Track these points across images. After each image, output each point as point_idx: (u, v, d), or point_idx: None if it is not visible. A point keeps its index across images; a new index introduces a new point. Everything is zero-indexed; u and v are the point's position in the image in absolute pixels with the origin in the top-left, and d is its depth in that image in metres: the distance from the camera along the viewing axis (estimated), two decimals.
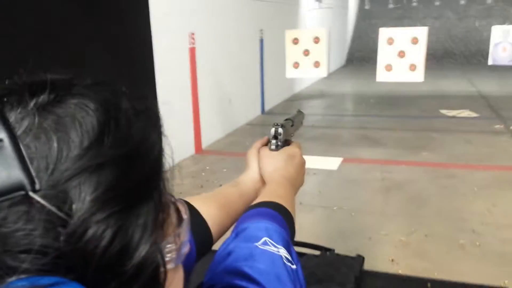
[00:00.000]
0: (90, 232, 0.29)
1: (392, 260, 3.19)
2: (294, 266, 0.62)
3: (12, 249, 0.28)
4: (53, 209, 0.29)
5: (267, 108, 8.60)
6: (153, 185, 0.36)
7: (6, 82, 0.35)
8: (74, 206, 0.30)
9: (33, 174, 0.29)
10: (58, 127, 0.31)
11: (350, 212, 4.04)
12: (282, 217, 0.74)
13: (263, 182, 0.97)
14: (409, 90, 9.74)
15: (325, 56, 7.04)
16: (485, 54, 9.53)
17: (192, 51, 5.87)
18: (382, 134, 6.78)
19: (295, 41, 6.98)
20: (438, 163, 5.38)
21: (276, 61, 8.20)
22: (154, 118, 0.39)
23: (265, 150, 0.99)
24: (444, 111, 8.17)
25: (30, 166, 0.29)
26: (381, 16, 18.45)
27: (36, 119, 0.31)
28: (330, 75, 13.89)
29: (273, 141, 0.99)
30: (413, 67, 6.55)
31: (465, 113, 7.99)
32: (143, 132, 0.36)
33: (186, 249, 0.41)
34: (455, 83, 11.82)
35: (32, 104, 0.32)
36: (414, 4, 18.21)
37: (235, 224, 0.76)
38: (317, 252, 1.75)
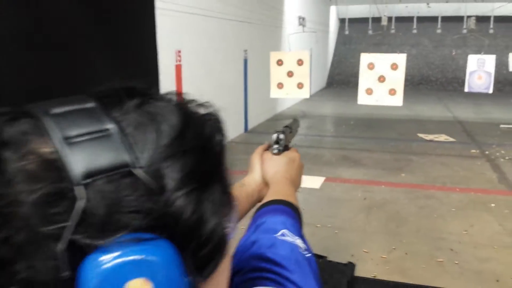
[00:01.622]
0: (178, 202, 0.38)
1: (374, 277, 3.27)
2: (309, 254, 0.71)
3: (124, 210, 0.35)
4: (150, 182, 0.37)
5: (250, 126, 8.70)
6: (220, 171, 0.45)
7: (101, 88, 0.44)
8: (165, 182, 0.38)
9: (135, 155, 0.37)
10: (152, 122, 0.40)
11: (333, 229, 4.13)
12: (293, 212, 0.84)
13: (265, 184, 1.06)
14: (388, 113, 9.98)
15: (308, 78, 7.20)
16: (460, 82, 9.87)
17: (178, 68, 5.95)
18: (362, 155, 6.93)
19: (279, 62, 7.12)
20: (417, 184, 5.53)
21: (260, 81, 8.33)
22: (217, 121, 0.48)
23: (268, 154, 1.09)
24: (421, 135, 8.40)
25: (133, 149, 0.38)
26: (360, 42, 18.92)
27: (135, 115, 0.40)
28: (311, 96, 14.10)
29: (275, 146, 1.09)
30: (393, 92, 6.73)
31: (442, 137, 8.23)
32: (211, 130, 0.45)
33: (234, 232, 0.49)
34: (431, 108, 12.15)
35: (131, 104, 0.41)
36: (392, 31, 18.72)
37: (252, 219, 0.84)
38: None
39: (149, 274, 0.34)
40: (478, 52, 10.83)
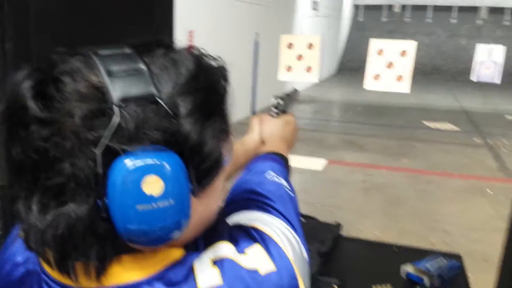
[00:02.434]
0: (187, 125, 0.51)
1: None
2: (293, 195, 0.85)
3: (148, 127, 0.48)
4: (169, 110, 0.50)
5: (257, 108, 8.82)
6: (222, 108, 0.59)
7: (136, 40, 0.57)
8: (179, 110, 0.51)
9: (159, 89, 0.51)
10: (173, 65, 0.54)
11: (331, 208, 4.28)
12: (282, 161, 0.98)
13: (262, 142, 1.20)
14: (395, 101, 10.05)
15: (317, 62, 7.24)
16: (471, 72, 9.83)
17: (190, 48, 6.07)
18: (366, 141, 7.05)
19: (290, 45, 7.19)
20: (418, 169, 5.66)
21: (269, 64, 8.41)
22: (223, 71, 0.61)
23: (267, 117, 1.23)
24: (426, 123, 8.48)
25: (158, 84, 0.51)
26: (374, 29, 18.78)
27: (161, 59, 0.54)
28: (321, 82, 14.15)
29: (274, 110, 1.23)
30: (400, 78, 6.74)
31: (447, 125, 8.31)
32: (218, 76, 0.59)
33: (229, 160, 0.63)
34: (440, 98, 12.17)
35: (159, 51, 0.55)
36: (407, 19, 18.62)
37: (247, 165, 0.98)
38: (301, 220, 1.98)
39: (161, 174, 0.48)
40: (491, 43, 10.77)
